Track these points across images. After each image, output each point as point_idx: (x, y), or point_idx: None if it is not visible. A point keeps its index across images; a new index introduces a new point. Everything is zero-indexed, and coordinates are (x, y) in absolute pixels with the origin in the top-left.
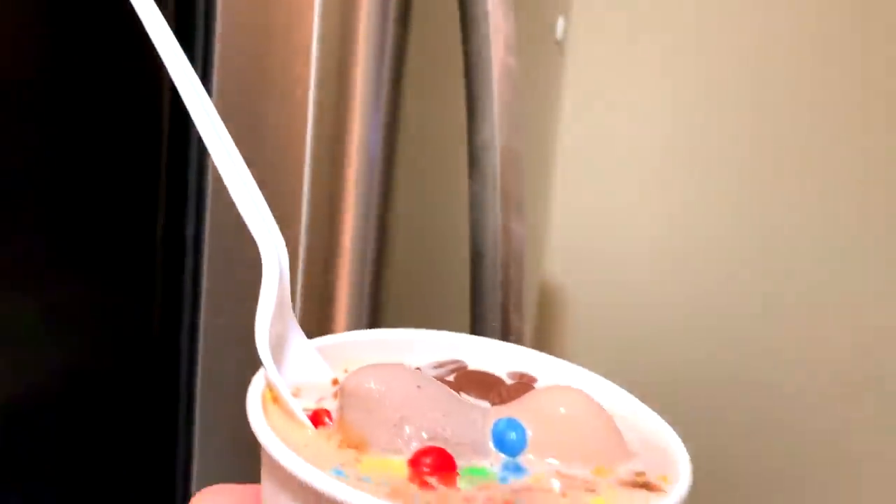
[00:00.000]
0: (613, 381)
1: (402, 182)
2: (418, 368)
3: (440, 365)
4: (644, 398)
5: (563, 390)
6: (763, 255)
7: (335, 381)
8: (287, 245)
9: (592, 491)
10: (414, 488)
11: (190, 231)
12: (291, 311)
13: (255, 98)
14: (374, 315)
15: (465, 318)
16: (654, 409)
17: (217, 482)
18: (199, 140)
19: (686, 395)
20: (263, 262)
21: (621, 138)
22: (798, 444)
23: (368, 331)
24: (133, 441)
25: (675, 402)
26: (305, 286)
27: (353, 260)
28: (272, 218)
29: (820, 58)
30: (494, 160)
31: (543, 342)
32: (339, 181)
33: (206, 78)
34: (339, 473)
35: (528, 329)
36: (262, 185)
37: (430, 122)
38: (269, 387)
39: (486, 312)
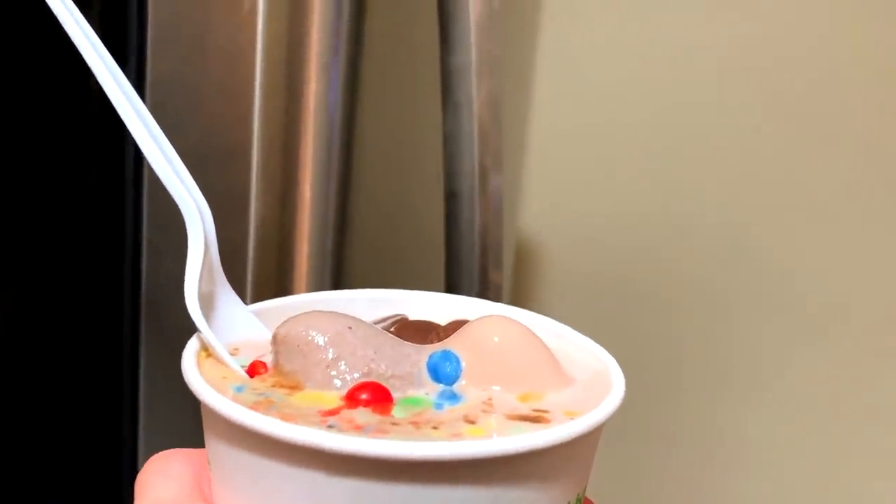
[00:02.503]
0: (589, 336)
1: (368, 115)
2: None
3: (381, 320)
4: (619, 351)
5: (496, 319)
6: (741, 209)
7: (272, 342)
8: (238, 189)
9: (472, 423)
10: (346, 411)
11: (129, 175)
12: (222, 274)
13: (201, 12)
14: (338, 276)
15: (440, 277)
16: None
17: (164, 448)
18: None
19: (662, 346)
20: (186, 223)
21: (600, 83)
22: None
23: (306, 294)
24: (79, 403)
25: (651, 355)
26: (258, 248)
27: (313, 206)
28: (192, 180)
29: (807, 26)
30: (470, 87)
31: (520, 298)
32: (295, 116)
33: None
34: (268, 395)
35: (506, 284)
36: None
37: (399, 49)
38: (205, 346)
39: (463, 275)
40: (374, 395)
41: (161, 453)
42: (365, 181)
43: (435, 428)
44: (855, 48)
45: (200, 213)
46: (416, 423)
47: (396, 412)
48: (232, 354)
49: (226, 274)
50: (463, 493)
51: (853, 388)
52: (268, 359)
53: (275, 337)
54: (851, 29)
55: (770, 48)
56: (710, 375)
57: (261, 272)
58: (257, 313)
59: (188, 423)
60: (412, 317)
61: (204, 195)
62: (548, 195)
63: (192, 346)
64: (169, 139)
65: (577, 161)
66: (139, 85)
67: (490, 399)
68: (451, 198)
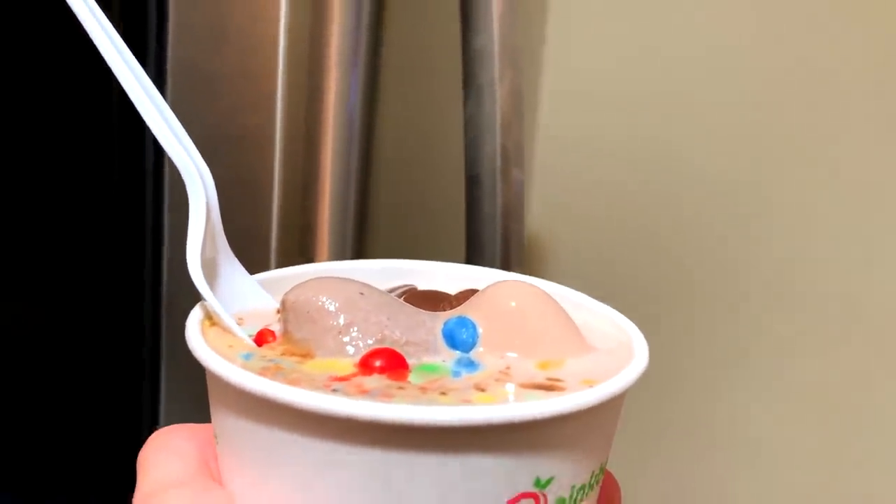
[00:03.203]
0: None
1: (389, 98)
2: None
3: (391, 290)
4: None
5: (512, 284)
6: (751, 202)
7: (279, 311)
8: (260, 172)
9: (483, 390)
10: (367, 378)
11: (149, 165)
12: (226, 242)
13: (222, 4)
14: (360, 248)
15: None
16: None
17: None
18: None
19: (669, 342)
20: (188, 188)
21: (606, 80)
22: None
23: (312, 264)
24: (101, 382)
25: (658, 352)
26: (281, 214)
27: (334, 189)
28: (194, 146)
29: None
30: (492, 70)
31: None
32: (315, 99)
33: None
34: (277, 361)
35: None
36: (230, 102)
37: (420, 33)
38: (209, 316)
39: (484, 262)
40: (388, 362)
41: (163, 429)
42: (385, 168)
43: (443, 394)
44: (873, 44)
45: (202, 177)
46: (423, 388)
47: (412, 379)
48: (237, 324)
49: (249, 258)
50: (476, 461)
51: (866, 386)
52: (275, 327)
53: (283, 303)
54: (869, 25)
55: (782, 47)
56: (717, 369)
57: (283, 256)
58: (262, 283)
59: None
60: (421, 287)
61: (226, 180)
62: (551, 195)
63: (195, 314)
64: (191, 125)
65: (581, 160)
66: (160, 72)
67: (508, 367)
68: (473, 183)
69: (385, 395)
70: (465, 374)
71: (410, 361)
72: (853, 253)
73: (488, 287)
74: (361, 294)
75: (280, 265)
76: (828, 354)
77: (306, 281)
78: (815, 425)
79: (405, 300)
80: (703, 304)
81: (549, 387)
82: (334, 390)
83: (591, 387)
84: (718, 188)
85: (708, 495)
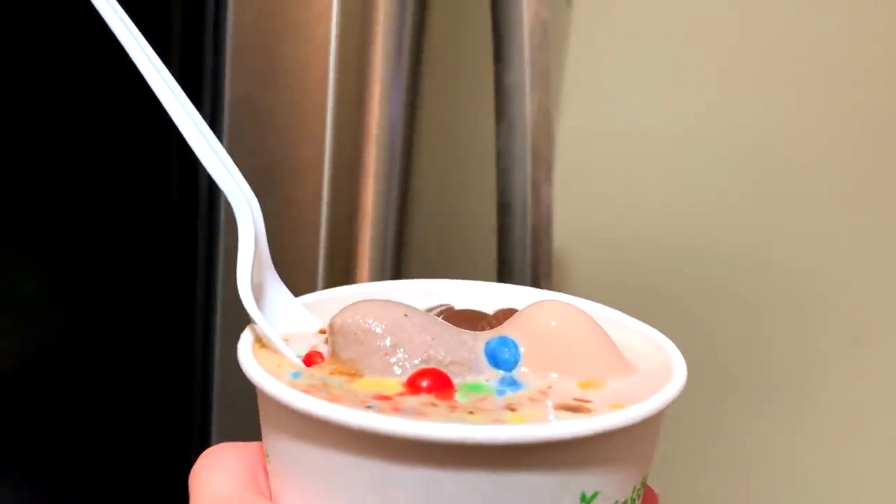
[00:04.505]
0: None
1: (426, 132)
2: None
3: (429, 310)
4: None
5: (552, 304)
6: (779, 216)
7: (322, 331)
8: (309, 202)
9: (513, 410)
10: (410, 398)
11: (203, 187)
12: (272, 266)
13: (274, 38)
14: (398, 272)
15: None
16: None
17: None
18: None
19: (696, 358)
20: (237, 217)
21: (627, 110)
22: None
23: (352, 286)
24: (151, 403)
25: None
26: (328, 242)
27: (375, 217)
28: (241, 175)
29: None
30: (523, 105)
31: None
32: (360, 134)
33: (219, 25)
34: (326, 380)
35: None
36: (282, 136)
37: (455, 67)
38: (259, 338)
39: (515, 283)
40: (435, 382)
41: (213, 447)
42: (422, 195)
43: (471, 413)
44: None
45: (249, 205)
46: (453, 407)
47: (458, 398)
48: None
49: (297, 282)
50: (524, 478)
51: None
52: (322, 349)
53: (331, 327)
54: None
55: (805, 52)
56: (747, 387)
57: (329, 280)
58: (306, 305)
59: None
60: (458, 307)
61: (278, 209)
62: (574, 216)
63: (246, 337)
64: (247, 157)
65: (603, 172)
66: (217, 107)
67: (549, 387)
68: (504, 210)
69: (418, 413)
70: (508, 393)
71: (455, 381)
72: (889, 272)
73: (529, 307)
74: (406, 316)
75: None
76: (861, 376)
77: (352, 304)
78: (849, 448)
79: (444, 319)
80: (729, 319)
81: (576, 408)
82: (368, 407)
83: (616, 410)
84: (742, 206)
85: None
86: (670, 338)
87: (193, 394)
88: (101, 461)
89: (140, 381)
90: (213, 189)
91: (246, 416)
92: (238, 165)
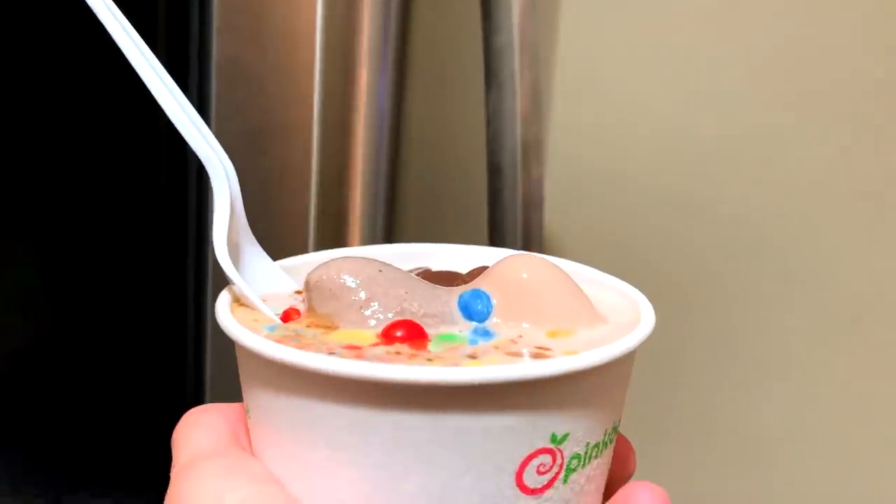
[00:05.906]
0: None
1: (416, 92)
2: None
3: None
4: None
5: (524, 257)
6: (767, 198)
7: (299, 292)
8: (298, 163)
9: (474, 357)
10: (381, 348)
11: (193, 172)
12: (249, 229)
13: (261, 4)
14: (389, 234)
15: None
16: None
17: None
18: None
19: (683, 337)
20: (211, 180)
21: (620, 78)
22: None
23: (330, 250)
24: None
25: (674, 347)
26: (318, 204)
27: (365, 179)
28: (215, 139)
29: None
30: (512, 67)
31: None
32: (349, 94)
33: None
34: (300, 332)
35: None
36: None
37: (444, 30)
38: (237, 297)
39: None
40: (409, 332)
41: (194, 409)
42: (412, 158)
43: (429, 360)
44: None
45: (224, 168)
46: (414, 356)
47: (432, 347)
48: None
49: (288, 243)
50: (495, 419)
51: (885, 383)
52: (301, 307)
53: (307, 283)
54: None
55: (799, 44)
56: (731, 366)
57: (320, 242)
58: (284, 268)
59: None
60: (435, 268)
61: (267, 170)
62: (567, 186)
63: (224, 296)
64: (234, 119)
65: (596, 152)
66: (204, 69)
67: (520, 336)
68: (495, 173)
69: (381, 360)
70: (481, 342)
71: (429, 331)
72: (863, 249)
73: (500, 261)
74: (380, 271)
75: (317, 250)
76: (838, 350)
77: (328, 261)
78: (823, 421)
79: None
80: (715, 293)
81: (535, 355)
82: (332, 353)
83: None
84: (734, 178)
85: (712, 490)
86: (657, 304)
87: (186, 378)
88: (95, 443)
89: (132, 367)
90: (202, 173)
91: (237, 400)
92: (226, 127)
